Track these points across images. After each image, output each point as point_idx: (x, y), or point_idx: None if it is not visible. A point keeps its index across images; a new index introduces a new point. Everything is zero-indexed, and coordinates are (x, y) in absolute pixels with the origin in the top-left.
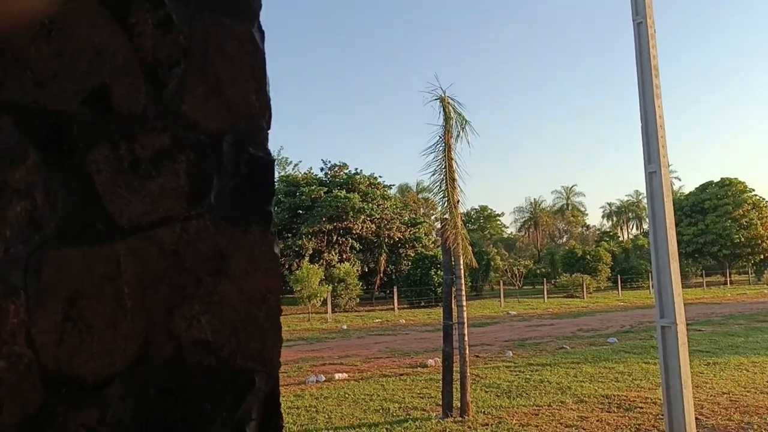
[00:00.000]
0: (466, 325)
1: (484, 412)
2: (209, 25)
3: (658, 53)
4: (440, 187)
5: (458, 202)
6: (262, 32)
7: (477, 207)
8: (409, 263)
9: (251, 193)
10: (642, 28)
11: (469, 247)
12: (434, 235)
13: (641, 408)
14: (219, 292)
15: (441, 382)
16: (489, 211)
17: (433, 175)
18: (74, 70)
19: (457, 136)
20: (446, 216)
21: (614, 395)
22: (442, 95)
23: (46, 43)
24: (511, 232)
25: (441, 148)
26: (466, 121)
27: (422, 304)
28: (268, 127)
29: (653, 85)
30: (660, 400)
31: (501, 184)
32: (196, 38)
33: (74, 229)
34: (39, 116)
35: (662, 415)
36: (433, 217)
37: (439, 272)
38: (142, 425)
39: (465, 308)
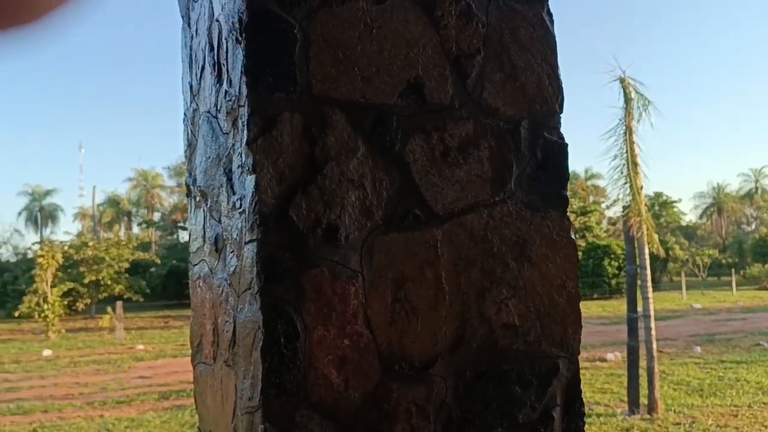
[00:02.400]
0: (652, 318)
1: (674, 410)
2: (503, 12)
3: None
4: (621, 172)
5: (641, 188)
6: (550, 15)
7: (650, 194)
8: (580, 254)
9: (547, 178)
10: None
11: (655, 236)
12: (605, 224)
13: None
14: (523, 277)
15: (624, 377)
16: (664, 198)
17: (613, 159)
18: (392, 65)
19: (639, 118)
20: (621, 204)
21: None
22: (622, 75)
23: (369, 41)
24: (690, 220)
25: (621, 131)
26: (648, 101)
27: (595, 296)
28: (561, 111)
29: None
30: None
31: (677, 168)
32: (492, 26)
33: (397, 216)
34: (365, 110)
35: None
36: (603, 205)
37: (612, 263)
38: (461, 406)
39: (651, 300)
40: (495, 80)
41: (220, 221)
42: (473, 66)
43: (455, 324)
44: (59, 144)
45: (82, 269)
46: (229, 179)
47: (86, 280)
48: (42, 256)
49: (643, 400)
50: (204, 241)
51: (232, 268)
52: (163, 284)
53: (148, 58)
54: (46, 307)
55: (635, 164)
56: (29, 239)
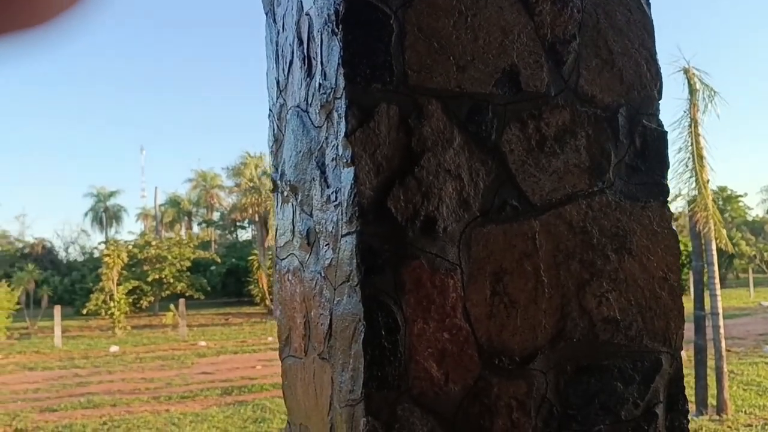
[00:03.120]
0: (720, 315)
1: (744, 411)
2: None
3: None
4: (686, 165)
5: (708, 181)
6: None
7: (714, 188)
8: None
9: (646, 167)
10: None
11: (723, 231)
12: None
13: None
14: (623, 269)
15: (691, 376)
16: (729, 192)
17: (678, 152)
18: (487, 53)
19: (704, 109)
20: (685, 199)
21: None
22: (686, 66)
23: (464, 29)
24: (758, 215)
25: (686, 123)
26: (714, 92)
27: None
28: (660, 98)
29: None
30: None
31: (743, 160)
32: (587, 11)
33: (494, 208)
34: (461, 100)
35: None
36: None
37: None
38: (562, 401)
39: (719, 297)
40: (591, 67)
41: (311, 215)
42: (569, 52)
43: (555, 317)
44: (122, 147)
45: (145, 268)
46: (323, 172)
47: (150, 279)
48: (108, 255)
49: (711, 401)
50: (293, 235)
51: (327, 261)
52: (222, 282)
53: (208, 62)
54: (112, 304)
55: (701, 157)
56: (95, 239)
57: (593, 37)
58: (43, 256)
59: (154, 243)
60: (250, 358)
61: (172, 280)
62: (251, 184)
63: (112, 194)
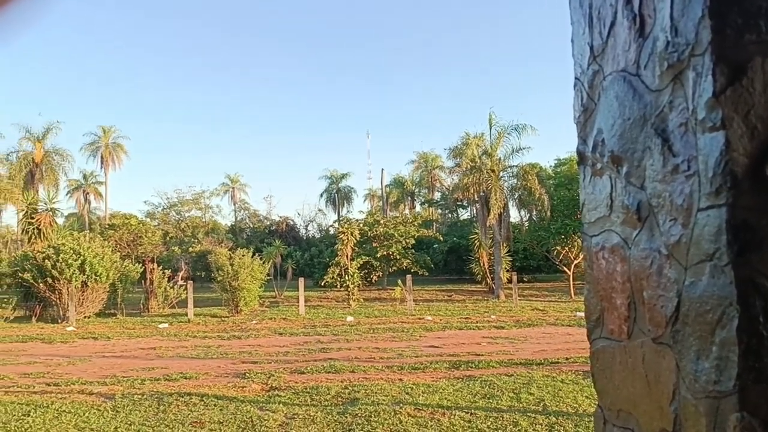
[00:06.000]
0: None
1: None
2: None
3: None
4: None
5: None
6: None
7: None
8: None
9: None
10: None
11: None
12: None
13: None
14: None
15: None
16: None
17: None
18: None
19: None
20: None
21: None
22: None
23: None
24: None
25: None
26: None
27: None
28: None
29: None
30: None
31: None
32: None
33: None
34: None
35: None
36: None
37: None
38: None
39: None
40: None
41: (642, 187)
42: None
43: None
44: (351, 132)
45: (375, 245)
46: (665, 140)
47: (379, 255)
48: (343, 232)
49: None
50: (610, 209)
51: (674, 238)
52: (444, 260)
53: (427, 49)
54: (347, 278)
55: None
56: (330, 218)
57: None
58: (287, 233)
59: (382, 221)
60: (475, 335)
61: (398, 257)
62: (472, 164)
63: (343, 176)
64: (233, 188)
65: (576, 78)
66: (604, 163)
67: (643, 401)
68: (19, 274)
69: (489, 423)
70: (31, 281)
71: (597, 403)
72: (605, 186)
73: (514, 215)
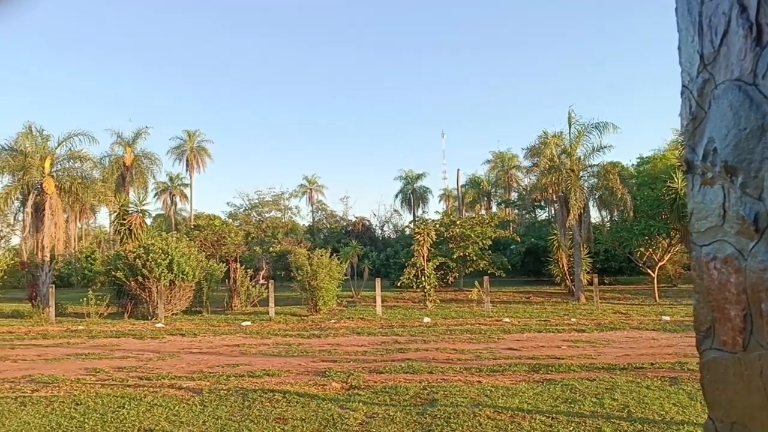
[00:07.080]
0: None
1: None
2: None
3: None
4: None
5: None
6: None
7: None
8: None
9: None
10: None
11: None
12: None
13: None
14: None
15: None
16: None
17: None
18: None
19: None
20: None
21: None
22: None
23: None
24: None
25: None
26: None
27: None
28: None
29: None
30: None
31: None
32: None
33: None
34: None
35: None
36: None
37: None
38: None
39: None
40: None
41: (760, 198)
42: None
43: None
44: (426, 133)
45: (451, 245)
46: None
47: (455, 256)
48: (419, 233)
49: None
50: (723, 219)
51: None
52: (522, 261)
53: (506, 48)
54: (423, 279)
55: None
56: (405, 219)
57: None
58: (363, 233)
59: (458, 222)
60: (555, 338)
61: (475, 258)
62: (550, 164)
63: (418, 177)
64: (311, 189)
65: (684, 86)
66: (715, 172)
67: (760, 414)
68: (112, 273)
69: (571, 428)
70: (123, 279)
71: (707, 414)
72: (717, 195)
73: (595, 215)
